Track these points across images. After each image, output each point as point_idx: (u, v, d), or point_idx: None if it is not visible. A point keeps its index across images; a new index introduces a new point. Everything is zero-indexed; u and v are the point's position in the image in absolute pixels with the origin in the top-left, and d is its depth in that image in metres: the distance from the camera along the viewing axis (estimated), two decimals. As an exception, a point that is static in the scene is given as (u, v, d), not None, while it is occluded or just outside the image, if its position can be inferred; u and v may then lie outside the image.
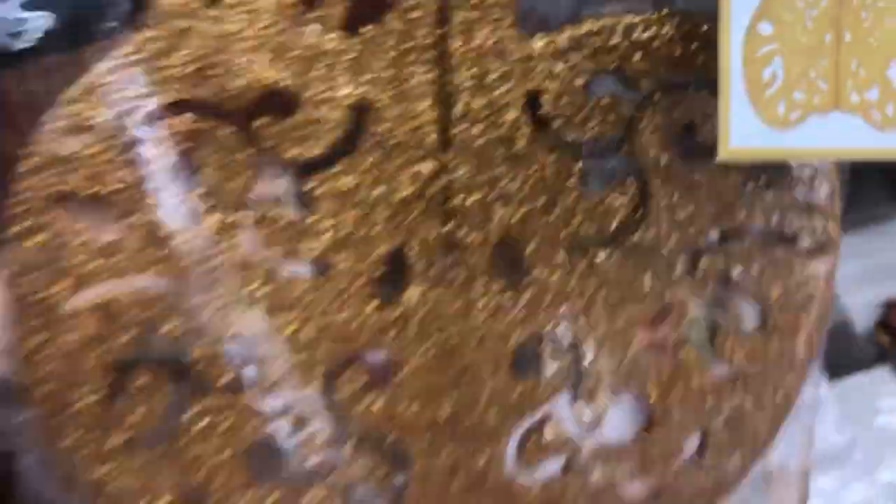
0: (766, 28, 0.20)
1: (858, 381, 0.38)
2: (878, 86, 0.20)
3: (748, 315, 0.27)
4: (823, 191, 0.25)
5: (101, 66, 0.21)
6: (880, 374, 0.39)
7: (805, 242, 0.26)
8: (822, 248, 0.26)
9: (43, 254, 0.22)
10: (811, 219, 0.25)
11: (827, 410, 0.28)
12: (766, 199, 0.25)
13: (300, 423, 0.25)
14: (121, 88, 0.21)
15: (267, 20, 0.21)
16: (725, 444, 0.28)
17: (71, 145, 0.21)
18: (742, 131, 0.20)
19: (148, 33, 0.20)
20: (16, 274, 0.22)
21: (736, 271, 0.26)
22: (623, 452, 0.28)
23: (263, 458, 0.25)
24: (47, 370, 0.23)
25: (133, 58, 0.21)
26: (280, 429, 0.25)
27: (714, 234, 0.25)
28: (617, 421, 0.28)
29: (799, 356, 0.27)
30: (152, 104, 0.21)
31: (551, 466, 0.28)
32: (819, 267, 0.26)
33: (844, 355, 0.28)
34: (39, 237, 0.22)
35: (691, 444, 0.28)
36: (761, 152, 0.21)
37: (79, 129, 0.21)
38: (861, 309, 0.40)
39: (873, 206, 0.38)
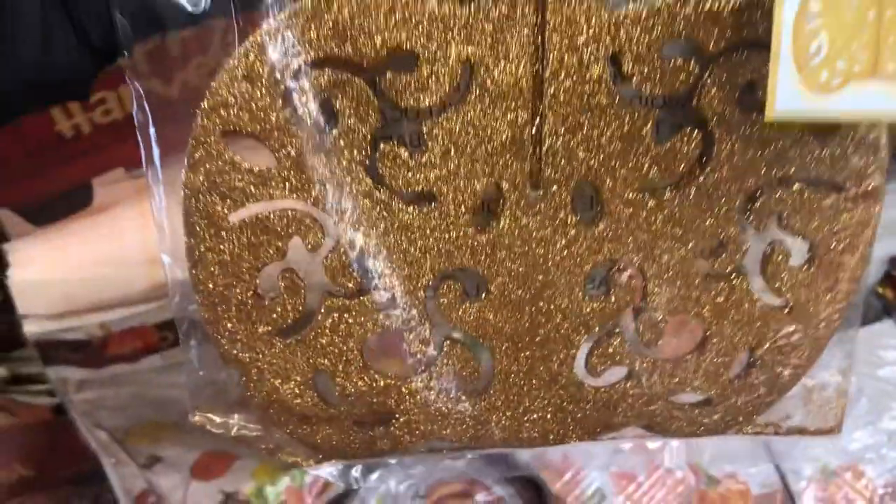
0: (815, 5, 0.23)
1: (863, 334, 0.40)
2: (916, 60, 0.24)
3: (798, 251, 0.30)
4: (870, 144, 0.28)
5: (265, 27, 0.26)
6: (884, 326, 0.41)
7: (851, 191, 0.29)
8: (867, 196, 0.29)
9: (211, 178, 0.28)
10: (858, 168, 0.28)
11: (834, 346, 0.31)
12: (818, 149, 0.28)
13: (407, 323, 0.31)
14: (279, 46, 0.26)
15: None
16: (771, 365, 0.32)
17: (240, 90, 0.26)
18: (787, 97, 0.24)
19: (300, 2, 0.25)
20: (189, 195, 0.28)
21: (788, 213, 0.29)
22: (677, 367, 0.32)
23: (376, 351, 0.31)
24: (211, 272, 0.29)
25: (288, 22, 0.26)
26: (391, 327, 0.31)
27: (770, 179, 0.29)
28: (674, 339, 0.32)
29: (842, 290, 0.31)
30: (302, 60, 0.26)
31: (615, 374, 0.33)
32: (864, 213, 0.29)
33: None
34: (209, 165, 0.27)
35: (740, 362, 0.33)
36: (804, 114, 0.24)
37: (247, 77, 0.26)
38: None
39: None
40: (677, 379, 0.32)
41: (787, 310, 0.31)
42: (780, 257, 0.30)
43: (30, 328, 0.34)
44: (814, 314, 0.31)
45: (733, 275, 0.30)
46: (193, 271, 0.29)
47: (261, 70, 0.26)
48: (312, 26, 0.26)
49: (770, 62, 0.24)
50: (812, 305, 0.31)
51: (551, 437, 0.33)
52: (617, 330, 0.31)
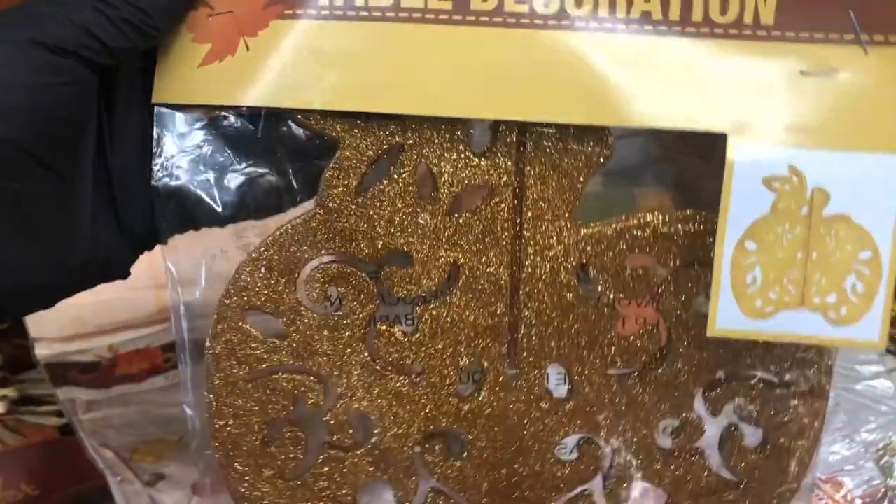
0: (751, 245, 0.27)
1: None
2: (836, 293, 0.27)
3: (753, 434, 0.33)
4: (815, 350, 0.31)
5: (284, 228, 0.30)
6: None
7: (801, 388, 0.32)
8: (814, 393, 0.32)
9: (230, 346, 0.32)
10: (804, 370, 0.32)
11: None
12: (767, 354, 0.31)
13: (396, 475, 0.34)
14: (294, 245, 0.30)
15: (400, 207, 0.30)
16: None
17: (260, 276, 0.31)
18: (726, 318, 0.28)
19: (313, 211, 0.30)
20: (211, 359, 0.32)
21: (742, 404, 0.32)
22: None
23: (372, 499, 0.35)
24: (226, 423, 0.33)
25: (303, 226, 0.30)
26: (381, 477, 0.34)
27: (724, 374, 0.32)
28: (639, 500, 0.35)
29: (791, 473, 0.33)
30: (313, 256, 0.31)
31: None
32: (812, 407, 0.32)
33: None
34: (230, 335, 0.32)
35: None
36: (741, 334, 0.28)
37: (266, 267, 0.31)
38: None
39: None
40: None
41: (741, 486, 0.34)
42: (736, 440, 0.33)
43: (41, 351, 0.37)
44: (766, 491, 0.34)
45: (693, 452, 0.34)
46: (211, 420, 0.33)
47: (278, 261, 0.31)
48: (323, 229, 0.30)
49: (712, 287, 0.28)
50: (764, 484, 0.34)
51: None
52: (586, 492, 0.35)
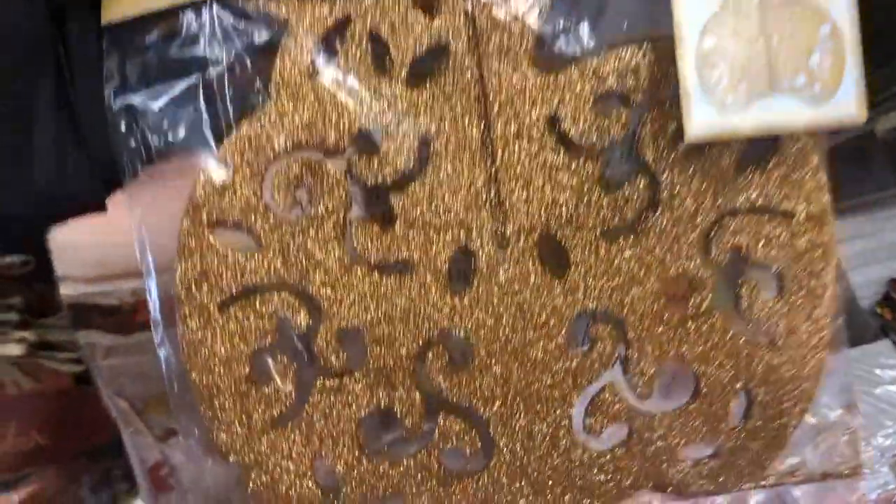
0: (709, 41, 0.27)
1: (861, 353, 0.42)
2: (804, 72, 0.27)
3: (767, 283, 0.32)
4: (810, 167, 0.30)
5: (244, 128, 0.30)
6: (882, 346, 0.42)
7: (801, 215, 0.31)
8: (814, 218, 0.31)
9: (201, 268, 0.30)
10: (801, 192, 0.30)
11: (831, 379, 0.31)
12: (759, 177, 0.30)
13: (399, 397, 0.32)
14: (257, 142, 0.30)
15: (362, 87, 0.30)
16: (769, 404, 0.32)
17: (224, 183, 0.30)
18: (701, 121, 0.27)
19: (270, 104, 0.30)
20: (180, 286, 0.31)
21: (746, 244, 0.31)
22: (676, 419, 0.32)
23: (370, 431, 0.32)
24: (206, 363, 0.31)
25: (263, 120, 0.30)
26: (383, 402, 0.32)
27: (720, 213, 0.31)
28: (667, 389, 0.33)
29: (819, 315, 0.31)
30: (278, 149, 0.30)
31: (616, 435, 0.33)
32: (817, 236, 0.31)
33: (849, 329, 0.32)
34: (198, 256, 0.30)
35: (737, 406, 0.32)
36: (718, 134, 0.27)
37: (230, 171, 0.30)
38: (866, 286, 0.43)
39: (879, 189, 0.42)
40: (677, 432, 0.32)
41: (769, 343, 0.32)
42: (752, 291, 0.31)
43: (65, 290, 0.35)
44: (796, 343, 0.32)
45: (710, 314, 0.31)
46: (188, 368, 0.31)
47: (240, 163, 0.30)
48: (285, 122, 0.30)
49: (681, 94, 0.27)
50: (793, 335, 0.32)
51: (562, 509, 0.33)
52: (610, 385, 0.32)
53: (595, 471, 0.32)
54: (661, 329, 0.31)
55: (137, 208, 0.30)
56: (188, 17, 0.29)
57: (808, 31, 0.27)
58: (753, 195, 0.31)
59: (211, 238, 0.30)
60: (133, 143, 0.29)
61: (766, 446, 0.32)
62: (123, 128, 0.29)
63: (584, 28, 0.30)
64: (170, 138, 0.30)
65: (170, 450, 0.37)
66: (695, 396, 0.32)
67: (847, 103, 0.27)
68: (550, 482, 0.32)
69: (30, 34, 0.28)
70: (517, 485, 0.32)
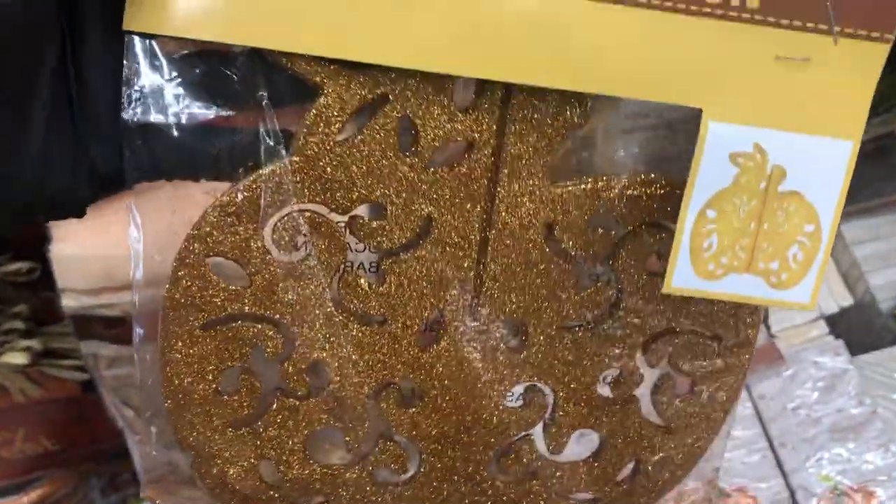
0: (711, 213, 0.29)
1: (879, 357, 0.43)
2: (779, 260, 0.30)
3: (682, 386, 0.37)
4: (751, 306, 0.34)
5: (255, 175, 0.30)
6: None
7: (730, 342, 0.35)
8: (742, 345, 0.35)
9: (190, 294, 0.31)
10: (737, 323, 0.35)
11: (849, 384, 0.33)
12: (705, 308, 0.34)
13: (349, 423, 0.35)
14: (266, 190, 0.30)
15: (380, 158, 0.30)
16: (652, 473, 0.38)
17: (227, 221, 0.30)
18: (681, 277, 0.30)
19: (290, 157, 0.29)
20: (168, 306, 0.31)
21: (677, 355, 0.35)
22: (575, 471, 0.38)
23: (321, 444, 0.35)
24: (179, 370, 0.32)
25: (276, 172, 0.30)
26: (334, 425, 0.35)
27: (665, 329, 0.35)
28: (575, 447, 0.38)
29: (714, 419, 0.37)
30: (285, 203, 0.30)
31: (524, 472, 0.38)
32: (738, 359, 0.36)
33: (867, 332, 0.33)
34: (189, 282, 0.31)
35: (627, 469, 0.38)
36: (693, 292, 0.30)
37: (234, 213, 0.30)
38: (885, 288, 0.44)
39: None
40: (574, 480, 0.38)
41: (667, 430, 0.37)
42: (667, 389, 0.36)
43: (67, 302, 0.36)
44: (689, 434, 0.37)
45: (632, 403, 0.36)
46: (163, 368, 0.32)
47: (248, 207, 0.30)
48: (298, 177, 0.30)
49: (672, 248, 0.30)
50: (689, 428, 0.37)
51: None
52: (529, 436, 0.37)
53: (496, 499, 0.38)
54: (587, 406, 0.36)
55: (139, 216, 0.30)
56: (220, 52, 0.28)
57: (795, 225, 0.30)
58: (697, 319, 0.34)
59: (206, 266, 0.31)
60: (142, 162, 0.29)
61: (641, 499, 0.39)
62: (134, 145, 0.28)
63: (598, 151, 0.31)
64: (183, 165, 0.29)
65: (176, 457, 0.38)
66: (595, 457, 0.37)
67: (804, 293, 0.31)
68: (460, 501, 0.38)
69: (31, 23, 0.25)
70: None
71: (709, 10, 0.28)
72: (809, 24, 0.28)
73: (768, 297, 0.30)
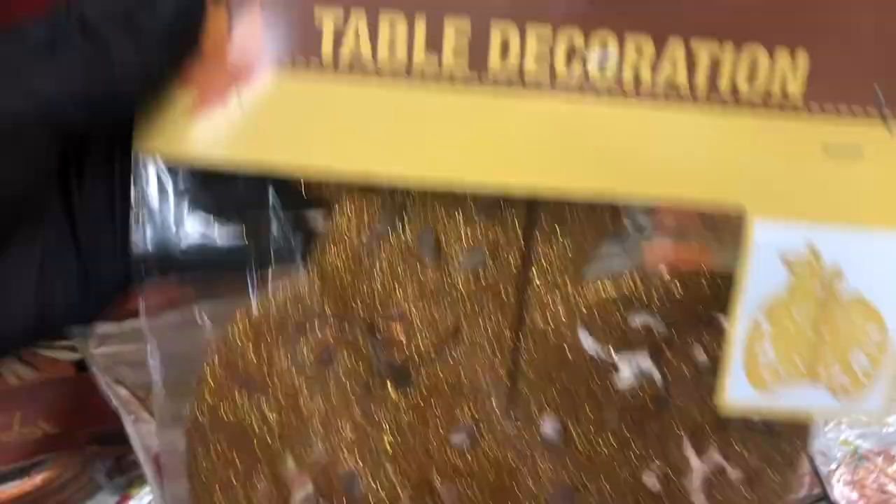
0: (765, 324, 0.27)
1: None
2: (843, 369, 0.27)
3: (735, 474, 0.34)
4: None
5: (274, 285, 0.28)
6: None
7: (780, 427, 0.33)
8: (797, 433, 0.33)
9: (216, 416, 0.30)
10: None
11: None
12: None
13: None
14: (288, 303, 0.28)
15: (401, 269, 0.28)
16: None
17: (250, 338, 0.29)
18: (736, 392, 0.27)
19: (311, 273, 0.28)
20: (191, 428, 0.30)
21: (726, 448, 0.33)
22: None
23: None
24: (207, 489, 0.31)
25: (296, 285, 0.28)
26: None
27: (711, 424, 0.32)
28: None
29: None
30: (307, 316, 0.29)
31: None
32: (794, 449, 0.33)
33: None
34: (214, 402, 0.30)
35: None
36: (748, 407, 0.28)
37: (255, 329, 0.29)
38: None
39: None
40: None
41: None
42: (719, 479, 0.34)
43: None
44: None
45: (680, 490, 0.34)
46: (190, 485, 0.31)
47: (268, 324, 0.28)
48: (318, 293, 0.28)
49: (723, 362, 0.27)
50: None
51: None
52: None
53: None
54: (636, 501, 0.34)
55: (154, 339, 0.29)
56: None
57: (860, 331, 0.27)
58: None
59: (229, 384, 0.29)
60: (153, 279, 0.27)
61: None
62: (145, 265, 0.27)
63: (624, 251, 0.29)
64: (197, 283, 0.28)
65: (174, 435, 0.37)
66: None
67: (874, 402, 0.28)
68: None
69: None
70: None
71: (746, 103, 0.25)
72: (857, 110, 0.25)
73: (833, 408, 0.28)
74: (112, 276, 0.28)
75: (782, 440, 0.33)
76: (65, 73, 0.22)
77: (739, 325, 0.27)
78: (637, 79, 0.25)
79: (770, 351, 0.27)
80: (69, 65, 0.22)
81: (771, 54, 0.25)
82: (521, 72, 0.25)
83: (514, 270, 0.29)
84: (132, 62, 0.22)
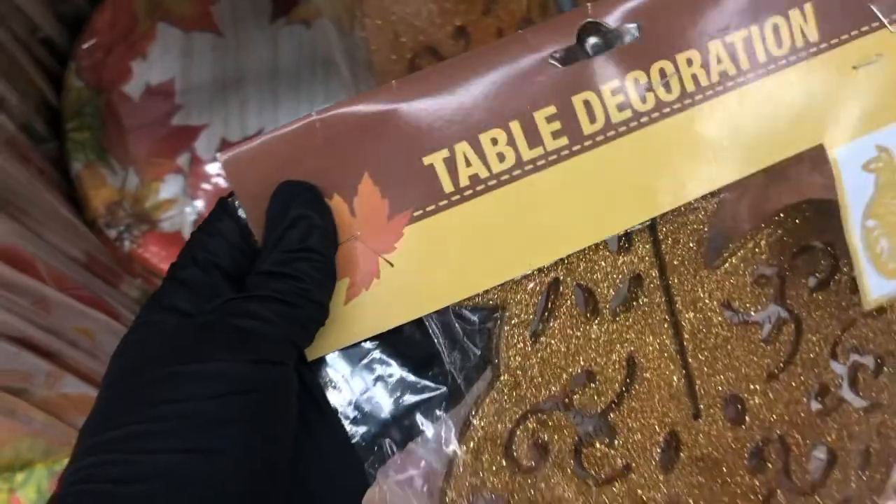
0: (871, 223, 0.31)
1: None
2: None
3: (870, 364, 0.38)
4: None
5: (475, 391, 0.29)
6: None
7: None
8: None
9: None
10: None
11: None
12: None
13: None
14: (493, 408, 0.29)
15: (573, 334, 0.30)
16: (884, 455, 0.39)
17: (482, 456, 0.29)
18: (876, 289, 0.31)
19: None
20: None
21: (858, 342, 0.37)
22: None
23: None
24: None
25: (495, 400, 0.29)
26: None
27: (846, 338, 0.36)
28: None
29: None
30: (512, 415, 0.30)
31: None
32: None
33: None
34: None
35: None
36: (893, 296, 0.32)
37: (476, 443, 0.29)
38: None
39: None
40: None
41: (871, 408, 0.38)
42: (860, 373, 0.37)
43: None
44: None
45: (839, 402, 0.37)
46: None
47: (483, 438, 0.30)
48: (513, 391, 0.30)
49: (855, 269, 0.31)
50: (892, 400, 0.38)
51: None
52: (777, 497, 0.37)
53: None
54: (811, 428, 0.37)
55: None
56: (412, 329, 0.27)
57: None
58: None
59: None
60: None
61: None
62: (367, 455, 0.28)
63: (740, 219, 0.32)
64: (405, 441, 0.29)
65: None
66: (832, 464, 0.38)
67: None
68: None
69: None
70: None
71: (783, 61, 0.29)
72: (864, 29, 0.30)
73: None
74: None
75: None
76: None
77: (855, 234, 0.31)
78: (697, 81, 0.28)
79: (885, 244, 0.31)
80: None
81: (787, 18, 0.29)
82: (607, 122, 0.28)
83: (660, 285, 0.31)
84: None
